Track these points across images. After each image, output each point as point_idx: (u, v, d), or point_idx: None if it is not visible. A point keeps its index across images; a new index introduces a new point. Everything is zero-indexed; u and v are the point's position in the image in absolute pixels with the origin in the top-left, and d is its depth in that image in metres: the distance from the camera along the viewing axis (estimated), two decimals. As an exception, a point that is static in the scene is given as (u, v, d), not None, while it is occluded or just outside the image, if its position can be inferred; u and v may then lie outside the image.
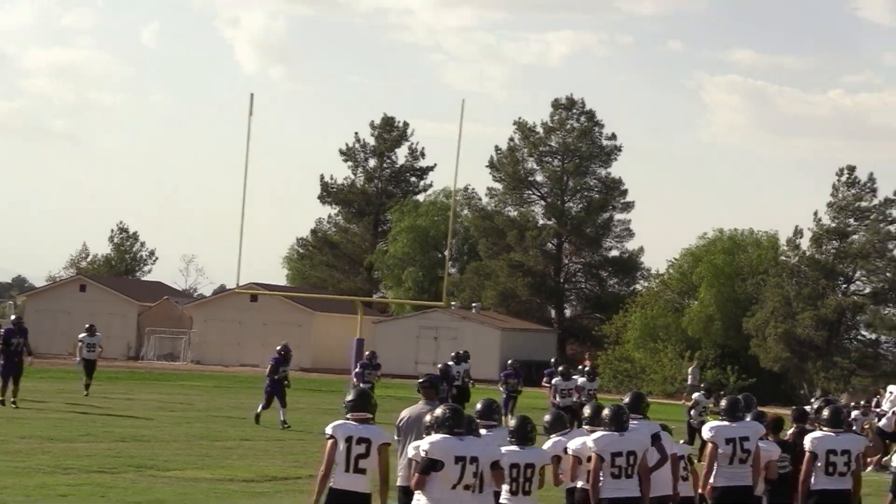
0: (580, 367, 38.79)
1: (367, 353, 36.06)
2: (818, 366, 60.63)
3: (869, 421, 30.28)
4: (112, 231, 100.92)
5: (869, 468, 25.60)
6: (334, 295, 74.46)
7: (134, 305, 76.89)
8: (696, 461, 14.82)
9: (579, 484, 12.71)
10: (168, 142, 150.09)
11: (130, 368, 61.23)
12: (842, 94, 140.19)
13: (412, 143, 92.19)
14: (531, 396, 43.02)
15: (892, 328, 62.36)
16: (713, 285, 67.36)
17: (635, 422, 12.98)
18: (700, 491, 14.16)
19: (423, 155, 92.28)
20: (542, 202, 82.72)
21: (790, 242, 64.57)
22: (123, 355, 73.29)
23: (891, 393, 32.34)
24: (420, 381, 14.11)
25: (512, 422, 12.54)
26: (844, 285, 64.01)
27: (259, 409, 31.66)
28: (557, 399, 33.03)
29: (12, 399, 31.59)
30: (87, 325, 40.36)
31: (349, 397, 11.93)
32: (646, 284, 79.33)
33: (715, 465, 13.99)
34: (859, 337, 64.49)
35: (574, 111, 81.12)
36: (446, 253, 56.24)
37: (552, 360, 38.54)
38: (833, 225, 63.24)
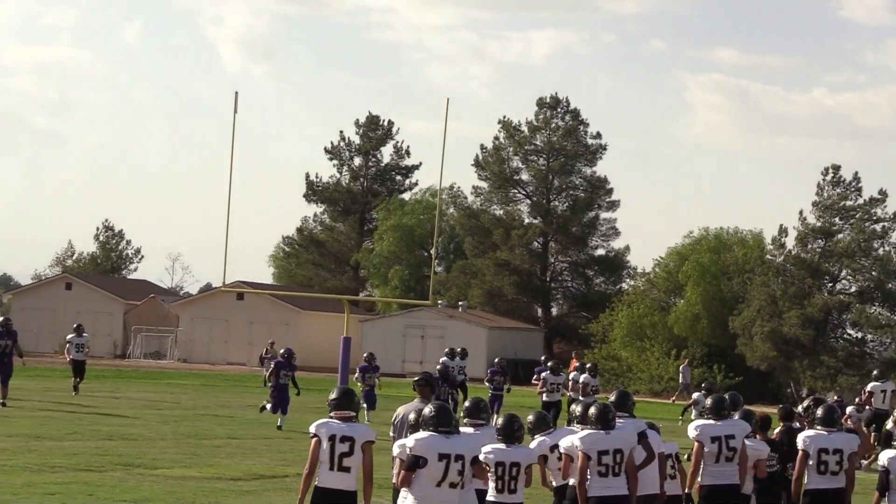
0: (577, 364, 38.64)
1: (365, 354, 35.91)
2: (805, 364, 60.73)
3: (864, 417, 30.26)
4: (97, 229, 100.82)
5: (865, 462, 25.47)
6: (321, 293, 74.44)
7: (120, 304, 76.79)
8: (683, 459, 14.86)
9: (571, 481, 12.75)
10: (152, 140, 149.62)
11: (117, 367, 61.19)
12: (825, 94, 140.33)
13: (397, 142, 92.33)
14: (519, 395, 43.09)
15: (877, 327, 62.45)
16: (699, 284, 67.46)
17: (622, 420, 13.03)
18: (686, 490, 14.21)
19: (408, 153, 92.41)
20: (528, 201, 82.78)
21: (775, 241, 64.66)
22: (110, 353, 73.22)
23: (883, 392, 32.26)
24: (416, 379, 14.18)
25: (499, 420, 12.58)
26: (830, 284, 64.12)
27: (267, 406, 31.36)
28: (545, 397, 33.00)
29: (2, 400, 31.57)
30: (75, 325, 40.23)
31: (332, 395, 11.94)
32: (632, 283, 79.42)
33: (701, 463, 14.04)
34: (845, 336, 64.58)
35: (559, 110, 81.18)
36: (432, 251, 56.06)
37: (542, 357, 38.58)
38: (818, 224, 63.34)
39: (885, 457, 13.51)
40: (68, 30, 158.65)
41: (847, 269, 63.68)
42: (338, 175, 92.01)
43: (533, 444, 13.16)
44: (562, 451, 12.78)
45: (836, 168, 63.48)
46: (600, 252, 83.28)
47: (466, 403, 13.05)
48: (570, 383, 34.39)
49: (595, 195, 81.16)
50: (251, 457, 23.76)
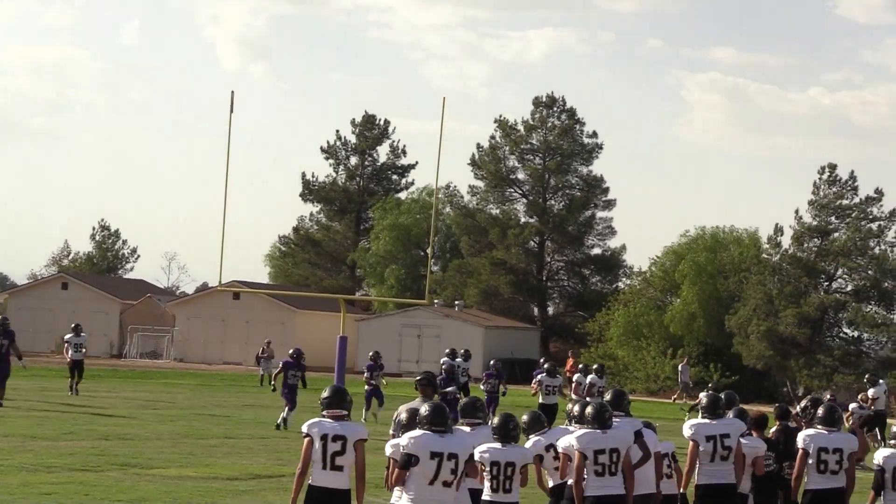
0: (582, 366, 38.53)
1: (370, 353, 35.81)
2: (801, 363, 60.72)
3: (864, 416, 30.27)
4: (94, 229, 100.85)
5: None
6: (317, 293, 74.40)
7: (116, 303, 76.75)
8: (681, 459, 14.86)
9: (569, 481, 12.75)
10: (149, 139, 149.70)
11: (113, 366, 61.15)
12: (822, 93, 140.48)
13: (393, 141, 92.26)
14: (515, 395, 43.04)
15: (874, 326, 62.41)
16: (695, 283, 67.44)
17: (618, 419, 13.02)
18: (682, 489, 14.20)
19: (404, 153, 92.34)
20: (524, 200, 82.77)
21: (771, 240, 64.64)
22: (106, 353, 73.18)
23: (885, 393, 32.36)
24: (418, 378, 14.18)
25: (495, 419, 12.56)
26: (826, 283, 64.10)
27: (288, 419, 30.11)
28: (541, 399, 32.85)
29: (-1, 400, 31.59)
30: (73, 325, 40.21)
31: (324, 394, 11.94)
32: (628, 282, 79.49)
33: (697, 462, 14.04)
34: (842, 335, 64.55)
35: (555, 109, 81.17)
36: (429, 251, 56.11)
37: (541, 359, 38.46)
38: (814, 223, 63.32)
39: (880, 455, 13.50)
40: (65, 29, 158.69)
41: (843, 268, 63.65)
42: (334, 174, 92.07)
43: (528, 444, 13.15)
44: (559, 450, 12.77)
45: (833, 167, 63.48)
46: (597, 251, 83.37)
47: (463, 401, 13.06)
48: (572, 385, 34.23)
49: (591, 194, 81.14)
50: (247, 456, 23.75)
